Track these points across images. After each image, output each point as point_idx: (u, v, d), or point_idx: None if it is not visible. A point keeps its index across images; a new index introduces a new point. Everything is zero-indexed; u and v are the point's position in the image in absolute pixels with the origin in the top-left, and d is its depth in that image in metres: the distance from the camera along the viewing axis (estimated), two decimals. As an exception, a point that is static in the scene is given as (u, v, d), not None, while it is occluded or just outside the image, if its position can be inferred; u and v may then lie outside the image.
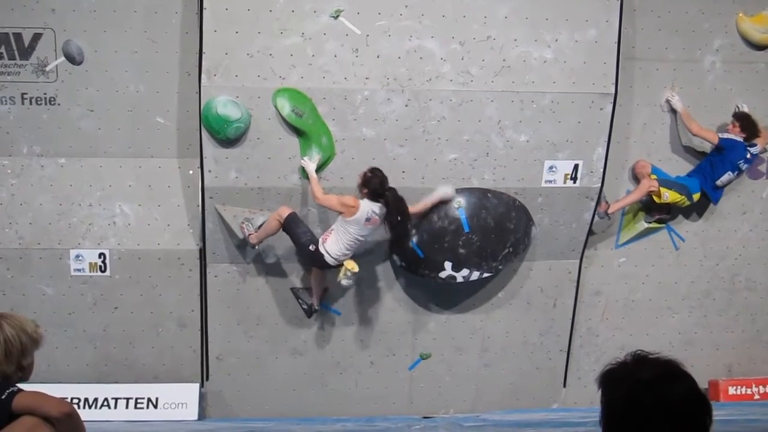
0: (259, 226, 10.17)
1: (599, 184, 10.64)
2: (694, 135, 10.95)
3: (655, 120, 11.11)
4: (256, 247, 10.28)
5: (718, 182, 10.97)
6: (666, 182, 10.97)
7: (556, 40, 10.06)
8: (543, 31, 10.03)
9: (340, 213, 9.68)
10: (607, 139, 10.48)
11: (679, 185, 10.99)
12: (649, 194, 10.97)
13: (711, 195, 11.13)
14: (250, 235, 10.12)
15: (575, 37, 10.08)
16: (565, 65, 10.14)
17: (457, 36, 9.91)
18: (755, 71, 11.10)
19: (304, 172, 9.95)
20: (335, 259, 9.83)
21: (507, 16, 9.94)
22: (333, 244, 9.78)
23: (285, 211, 9.92)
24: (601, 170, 10.58)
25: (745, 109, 11.04)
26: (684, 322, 11.97)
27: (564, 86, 10.18)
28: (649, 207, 11.35)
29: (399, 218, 9.70)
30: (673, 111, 11.02)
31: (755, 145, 10.84)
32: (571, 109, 10.27)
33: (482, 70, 10.03)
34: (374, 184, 9.60)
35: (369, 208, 9.63)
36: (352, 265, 9.91)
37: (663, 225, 11.47)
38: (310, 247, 9.86)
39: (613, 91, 10.28)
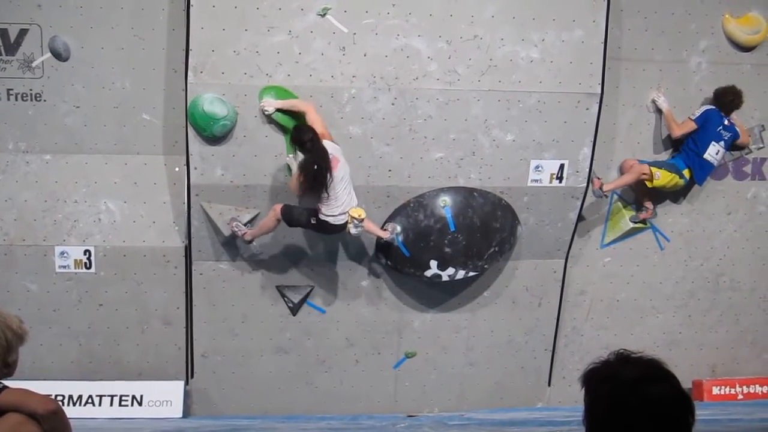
0: (248, 223, 10.16)
1: (585, 184, 10.67)
2: (677, 138, 10.99)
3: (641, 120, 11.13)
4: (254, 242, 10.28)
5: (706, 155, 10.89)
6: (656, 163, 10.99)
7: (543, 40, 10.08)
8: (530, 31, 10.05)
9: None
10: (593, 139, 10.51)
11: (668, 164, 11.00)
12: (642, 180, 10.97)
13: (697, 174, 11.06)
14: (244, 234, 10.10)
15: (562, 37, 10.10)
16: (552, 65, 10.16)
17: (444, 35, 9.92)
18: (741, 72, 11.13)
19: (290, 170, 9.93)
20: (338, 217, 9.67)
21: (494, 15, 9.95)
22: (325, 209, 9.62)
23: (278, 207, 9.89)
24: (587, 170, 10.61)
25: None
26: (668, 322, 12.01)
27: (550, 86, 10.20)
28: (637, 205, 11.36)
29: (316, 167, 9.34)
30: (659, 111, 11.04)
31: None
32: (558, 109, 10.29)
33: (469, 69, 10.04)
34: (294, 138, 9.50)
35: None
36: (357, 213, 9.69)
37: (648, 225, 11.48)
38: (312, 221, 9.77)
39: (600, 92, 10.31)
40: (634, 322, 11.88)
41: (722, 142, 10.90)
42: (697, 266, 11.88)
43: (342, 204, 9.63)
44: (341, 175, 9.49)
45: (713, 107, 10.85)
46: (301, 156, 9.59)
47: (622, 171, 11.14)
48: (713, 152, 10.90)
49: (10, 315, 4.46)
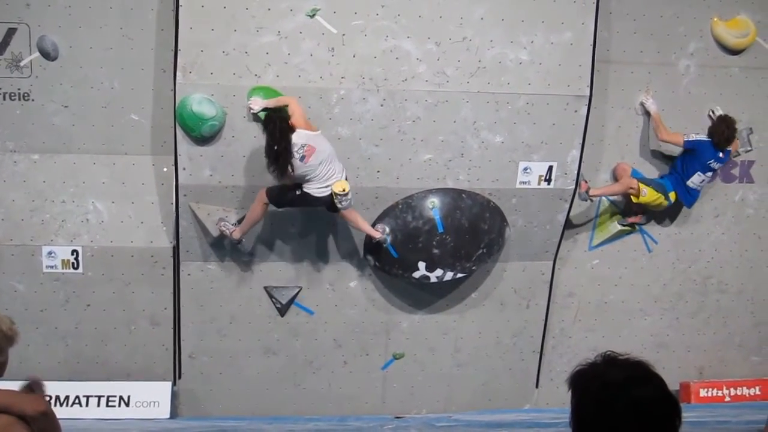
0: (236, 223, 10.15)
1: (573, 186, 10.68)
2: (662, 141, 11.02)
3: (630, 123, 11.16)
4: (243, 241, 10.27)
5: (689, 182, 10.98)
6: (644, 180, 11.02)
7: (532, 42, 10.09)
8: (519, 33, 10.06)
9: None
10: (581, 141, 10.53)
11: (656, 183, 11.05)
12: (628, 193, 11.01)
13: (684, 197, 11.16)
14: (232, 232, 10.09)
15: (551, 39, 10.11)
16: (541, 67, 10.17)
17: (433, 36, 9.93)
18: (729, 75, 11.18)
19: None
20: (320, 189, 9.60)
21: (483, 17, 9.96)
22: (306, 185, 9.58)
23: (262, 193, 9.84)
24: (575, 172, 10.62)
25: (719, 112, 11.10)
26: (656, 324, 12.04)
27: (539, 88, 10.21)
28: (626, 211, 11.39)
29: (276, 147, 9.28)
30: (648, 114, 11.06)
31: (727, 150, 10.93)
32: (546, 111, 10.31)
33: (458, 71, 10.05)
34: (263, 122, 9.48)
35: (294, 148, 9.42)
36: (340, 187, 9.57)
37: (636, 229, 11.51)
38: (297, 192, 9.67)
39: (588, 94, 10.32)
40: (622, 324, 11.90)
41: (709, 173, 10.99)
42: (685, 269, 11.91)
43: (322, 181, 9.55)
44: (319, 160, 9.44)
45: (708, 140, 10.84)
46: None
47: (614, 175, 11.18)
48: (697, 181, 11.01)
49: (1, 316, 4.45)
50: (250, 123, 9.85)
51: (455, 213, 10.47)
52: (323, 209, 9.96)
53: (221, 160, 9.97)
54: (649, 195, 10.96)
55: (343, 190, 9.56)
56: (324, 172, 9.50)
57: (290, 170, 9.36)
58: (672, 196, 11.07)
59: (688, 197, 11.21)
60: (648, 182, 11.03)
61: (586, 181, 10.77)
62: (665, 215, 11.60)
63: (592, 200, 11.04)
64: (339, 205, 9.69)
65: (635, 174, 11.03)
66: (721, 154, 10.90)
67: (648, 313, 11.97)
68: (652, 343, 11.95)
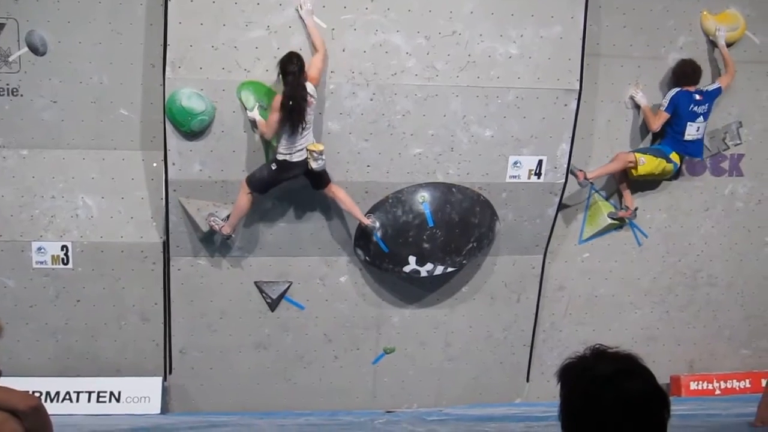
0: (226, 218, 10.13)
1: (563, 180, 10.70)
2: (655, 131, 11.04)
3: (620, 116, 11.17)
4: (232, 236, 10.26)
5: (686, 137, 10.92)
6: (640, 150, 11.07)
7: (521, 36, 10.09)
8: (508, 27, 10.06)
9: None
10: (571, 135, 10.54)
11: (653, 150, 11.06)
12: (628, 167, 11.04)
13: (688, 151, 11.12)
14: (222, 228, 10.08)
15: (540, 33, 10.12)
16: (530, 61, 10.17)
17: (422, 30, 9.92)
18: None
19: (254, 125, 9.93)
20: (295, 154, 9.60)
21: (473, 11, 9.96)
22: (284, 147, 9.59)
23: (243, 184, 9.86)
24: (565, 166, 10.63)
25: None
26: (646, 318, 12.05)
27: (529, 82, 10.22)
28: (619, 199, 11.38)
29: (291, 102, 9.37)
30: (637, 107, 11.08)
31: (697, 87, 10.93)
32: (536, 105, 10.31)
33: (447, 65, 10.05)
34: (281, 63, 9.46)
35: None
36: (316, 146, 9.59)
37: (626, 222, 11.50)
38: (273, 167, 9.71)
39: (578, 88, 10.33)
40: (612, 318, 11.92)
41: (700, 118, 10.90)
42: (675, 262, 11.92)
43: (300, 143, 9.58)
44: (312, 116, 9.55)
45: (677, 89, 10.87)
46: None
47: (616, 166, 11.17)
48: (693, 131, 10.93)
49: None
50: (240, 118, 9.82)
51: (445, 207, 10.47)
52: (311, 197, 10.02)
53: (211, 154, 9.96)
54: (648, 163, 10.94)
55: (318, 149, 9.58)
56: (303, 133, 9.53)
57: (302, 125, 9.44)
58: (674, 157, 11.03)
59: (693, 148, 11.13)
60: (644, 150, 11.05)
61: (580, 170, 10.77)
62: (655, 207, 11.59)
63: (592, 183, 11.06)
64: (314, 164, 9.64)
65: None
66: (697, 96, 10.85)
67: (638, 306, 11.99)
68: (642, 336, 11.96)
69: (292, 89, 9.36)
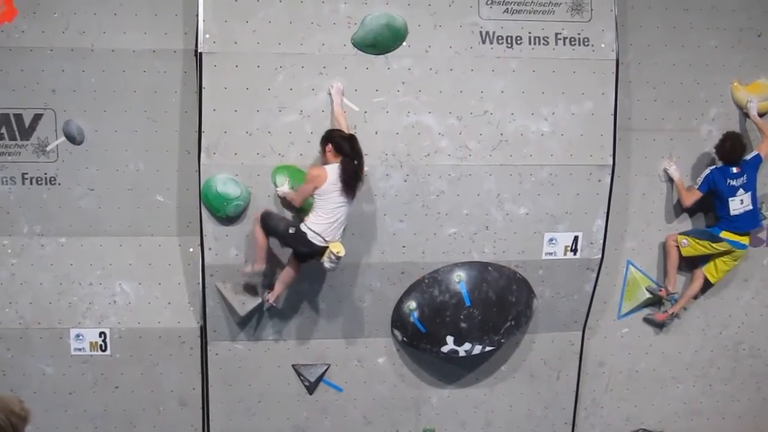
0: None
1: (599, 256, 10.64)
2: (687, 207, 11.00)
3: (654, 190, 11.14)
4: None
5: (733, 213, 10.79)
6: (684, 232, 11.09)
7: (553, 113, 10.13)
8: (539, 105, 10.11)
9: (315, 190, 9.34)
10: (606, 210, 10.51)
11: (698, 231, 11.05)
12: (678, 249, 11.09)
13: (743, 226, 10.95)
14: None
15: (572, 110, 10.15)
16: (563, 138, 10.19)
17: (454, 111, 9.98)
18: (752, 140, 11.13)
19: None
20: (319, 235, 9.33)
21: (503, 90, 10.01)
22: (314, 218, 9.37)
23: (256, 219, 9.76)
24: (601, 241, 10.59)
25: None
26: (689, 392, 11.89)
27: (562, 158, 10.23)
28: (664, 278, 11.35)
29: (356, 162, 9.31)
30: (671, 180, 11.05)
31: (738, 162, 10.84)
32: (570, 181, 10.31)
33: (480, 144, 10.09)
34: (328, 135, 9.45)
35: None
36: (338, 248, 9.39)
37: (668, 298, 11.36)
38: (290, 231, 9.49)
39: (611, 163, 10.32)
40: (654, 393, 11.77)
41: (740, 190, 10.79)
42: (716, 334, 11.79)
43: (331, 227, 9.38)
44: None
45: (713, 167, 10.85)
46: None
47: (664, 248, 11.21)
48: (737, 205, 10.82)
49: (9, 397, 4.45)
50: (274, 202, 9.87)
51: (482, 286, 10.43)
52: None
53: (246, 239, 9.99)
54: (691, 245, 10.96)
55: (338, 253, 9.40)
56: (337, 210, 9.37)
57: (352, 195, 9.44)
58: (727, 235, 10.87)
59: (745, 221, 10.95)
60: (687, 233, 11.05)
61: (660, 288, 11.12)
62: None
63: (679, 317, 11.46)
64: (327, 264, 9.51)
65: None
66: (734, 169, 10.77)
67: (680, 380, 11.84)
68: (685, 411, 11.82)
69: (355, 151, 9.30)
